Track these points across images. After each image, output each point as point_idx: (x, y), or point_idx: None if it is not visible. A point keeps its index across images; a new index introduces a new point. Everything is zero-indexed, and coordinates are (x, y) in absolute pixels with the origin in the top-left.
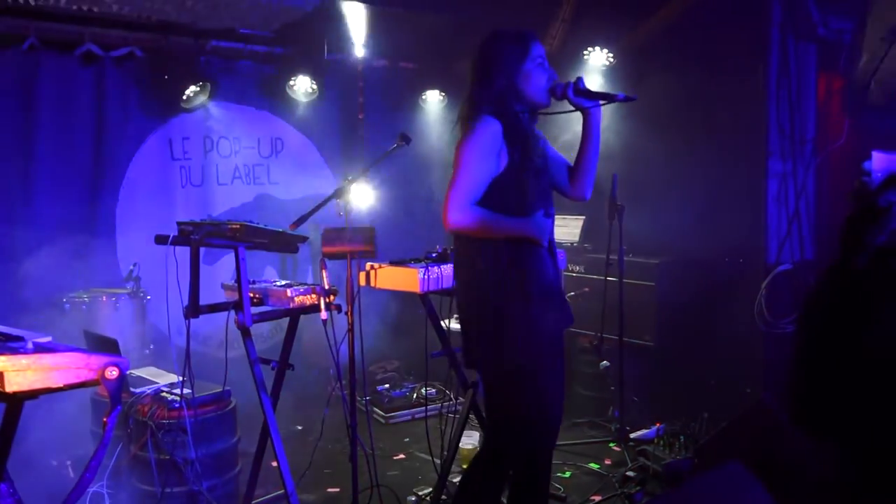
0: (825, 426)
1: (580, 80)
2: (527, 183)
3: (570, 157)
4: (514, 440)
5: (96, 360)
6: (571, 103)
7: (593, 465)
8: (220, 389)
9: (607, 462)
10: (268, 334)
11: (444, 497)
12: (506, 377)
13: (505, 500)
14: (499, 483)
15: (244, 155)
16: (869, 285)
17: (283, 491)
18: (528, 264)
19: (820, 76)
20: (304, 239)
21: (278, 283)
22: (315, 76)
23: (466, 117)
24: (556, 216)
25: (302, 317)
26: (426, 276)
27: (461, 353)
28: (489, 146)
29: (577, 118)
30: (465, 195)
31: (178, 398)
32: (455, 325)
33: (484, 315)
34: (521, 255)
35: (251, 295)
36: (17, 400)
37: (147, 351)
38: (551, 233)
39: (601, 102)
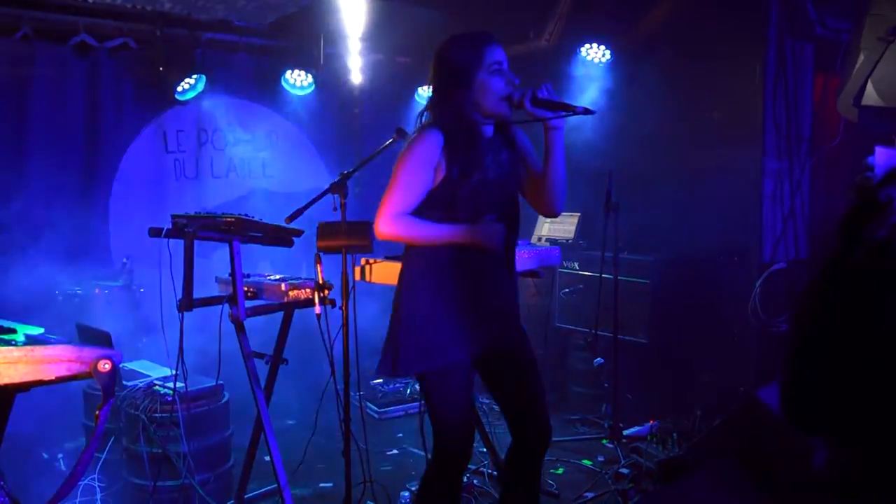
0: (818, 423)
1: (542, 87)
2: (457, 199)
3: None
4: (434, 436)
5: (89, 353)
6: (527, 114)
7: (586, 462)
8: (213, 383)
9: (600, 459)
10: (261, 328)
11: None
12: (419, 381)
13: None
14: (447, 479)
15: (239, 148)
16: (866, 280)
17: (275, 485)
18: (444, 275)
19: (816, 75)
20: (299, 233)
21: (273, 277)
22: (310, 69)
23: (418, 128)
24: (508, 238)
25: (296, 311)
26: None
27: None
28: (426, 159)
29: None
30: (395, 206)
31: (170, 392)
32: None
33: (393, 320)
34: (440, 265)
35: (245, 289)
36: (9, 392)
37: (140, 344)
38: (498, 243)
39: (561, 114)
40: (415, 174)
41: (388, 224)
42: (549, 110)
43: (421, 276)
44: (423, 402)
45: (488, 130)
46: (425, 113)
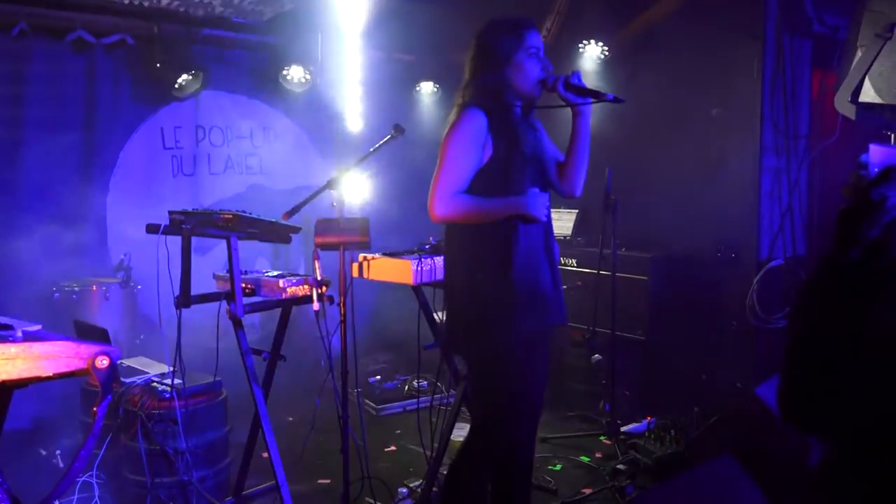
0: (814, 421)
1: (574, 74)
2: (510, 174)
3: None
4: (492, 426)
5: (87, 349)
6: (560, 97)
7: (584, 459)
8: (211, 380)
9: (598, 455)
10: (259, 325)
11: (434, 489)
12: (485, 363)
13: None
14: (484, 470)
15: (236, 144)
16: (861, 279)
17: (273, 482)
18: (513, 254)
19: (814, 72)
20: (297, 229)
21: (270, 274)
22: (309, 66)
23: (457, 107)
24: (551, 209)
25: (294, 308)
26: (419, 268)
27: (445, 339)
28: (473, 138)
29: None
30: (449, 186)
31: (168, 388)
32: None
33: (465, 301)
34: (503, 240)
35: (243, 285)
36: (6, 388)
37: (137, 341)
38: (549, 218)
39: (591, 100)
40: (464, 153)
41: (444, 204)
42: (579, 96)
43: (492, 253)
44: (481, 384)
45: (517, 111)
46: (462, 93)
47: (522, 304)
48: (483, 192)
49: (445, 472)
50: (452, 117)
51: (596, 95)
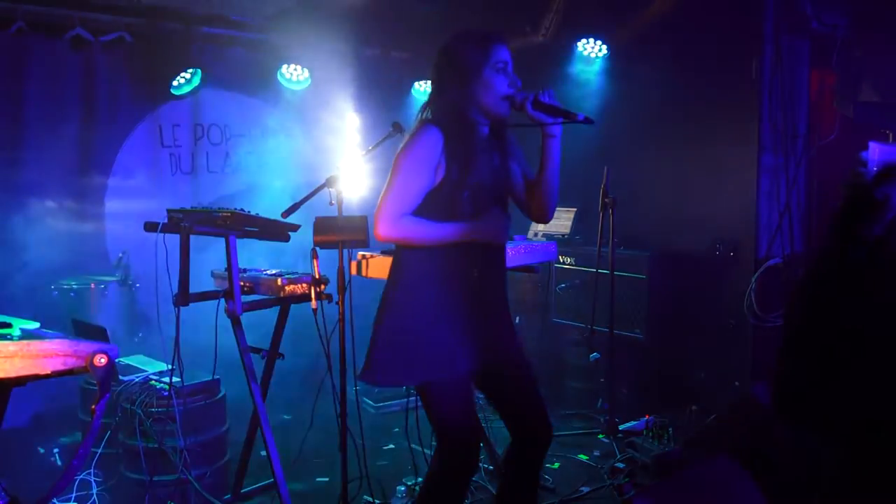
0: (808, 416)
1: (544, 93)
2: (458, 199)
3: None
4: (439, 439)
5: (85, 348)
6: (529, 117)
7: (582, 457)
8: (209, 378)
9: (596, 454)
10: (257, 323)
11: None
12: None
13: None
14: (453, 476)
15: (235, 142)
16: (861, 276)
17: (272, 480)
18: (447, 281)
19: (813, 71)
20: (296, 227)
21: (269, 272)
22: (306, 64)
23: (417, 123)
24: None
25: (292, 306)
26: None
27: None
28: (426, 158)
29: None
30: (395, 207)
31: (167, 386)
32: None
33: (387, 326)
34: (440, 269)
35: (242, 283)
36: (5, 386)
37: (136, 339)
38: (503, 235)
39: (560, 120)
40: (415, 174)
41: (391, 226)
42: (548, 115)
43: (421, 281)
44: (425, 409)
45: (484, 130)
46: (427, 108)
47: (413, 353)
48: (427, 216)
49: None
50: (409, 135)
51: (566, 115)
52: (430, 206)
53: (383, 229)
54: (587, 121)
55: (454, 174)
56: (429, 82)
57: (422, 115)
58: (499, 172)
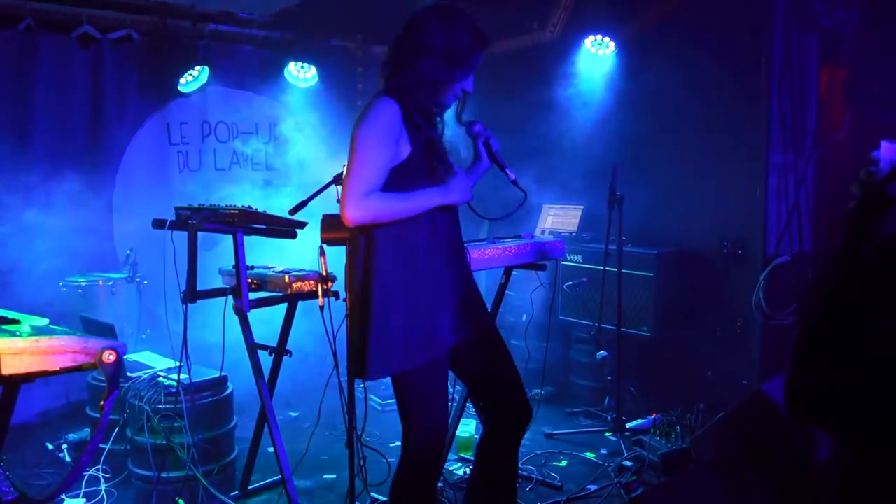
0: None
1: (496, 142)
2: (422, 171)
3: None
4: (407, 439)
5: (94, 344)
6: (476, 150)
7: (589, 455)
8: (217, 375)
9: (603, 452)
10: (265, 320)
11: (439, 484)
12: (394, 380)
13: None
14: (424, 488)
15: (242, 140)
16: (874, 274)
17: (279, 477)
18: (417, 260)
19: (822, 68)
20: (303, 225)
21: (276, 269)
22: (314, 61)
23: (374, 95)
24: (556, 205)
25: (300, 303)
26: None
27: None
28: (388, 131)
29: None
30: (361, 186)
31: (175, 383)
32: None
33: (361, 314)
34: (411, 248)
35: (249, 281)
36: (14, 383)
37: (144, 336)
38: (457, 232)
39: (498, 165)
40: (377, 149)
41: (358, 206)
42: (490, 161)
43: (392, 263)
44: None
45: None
46: (385, 77)
47: (388, 341)
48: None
49: (453, 469)
50: (365, 107)
51: (501, 168)
52: (393, 182)
53: (351, 211)
54: (514, 183)
55: (422, 141)
56: None
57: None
58: (442, 143)
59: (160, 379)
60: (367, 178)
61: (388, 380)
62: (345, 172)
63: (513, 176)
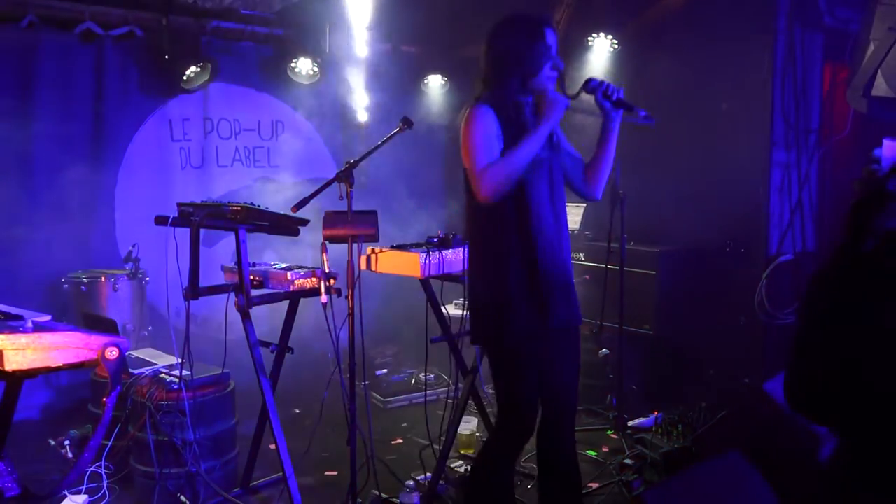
0: (829, 414)
1: (620, 90)
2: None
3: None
4: (502, 420)
5: (96, 340)
6: (599, 104)
7: (591, 453)
8: (219, 371)
9: (605, 450)
10: (267, 317)
11: (441, 482)
12: (496, 358)
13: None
14: (504, 463)
15: (245, 137)
16: (876, 270)
17: (281, 474)
18: (531, 249)
19: (825, 66)
20: (305, 222)
21: (278, 266)
22: (316, 58)
23: (471, 102)
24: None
25: (302, 300)
26: (427, 261)
27: (470, 330)
28: (489, 129)
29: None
30: (482, 163)
31: (176, 380)
32: (454, 310)
33: (482, 294)
34: (522, 242)
35: (251, 277)
36: (17, 378)
37: (146, 332)
38: (564, 223)
39: (627, 108)
40: (487, 139)
41: (487, 178)
42: (615, 108)
43: (508, 252)
44: (495, 377)
45: (528, 110)
46: (477, 92)
47: (516, 304)
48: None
49: (455, 466)
50: (463, 114)
51: (630, 109)
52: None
53: (483, 188)
54: (647, 118)
55: (509, 135)
56: (438, 77)
57: (477, 93)
58: (552, 148)
59: (162, 375)
60: (483, 156)
61: (388, 378)
62: (467, 167)
63: (643, 113)
